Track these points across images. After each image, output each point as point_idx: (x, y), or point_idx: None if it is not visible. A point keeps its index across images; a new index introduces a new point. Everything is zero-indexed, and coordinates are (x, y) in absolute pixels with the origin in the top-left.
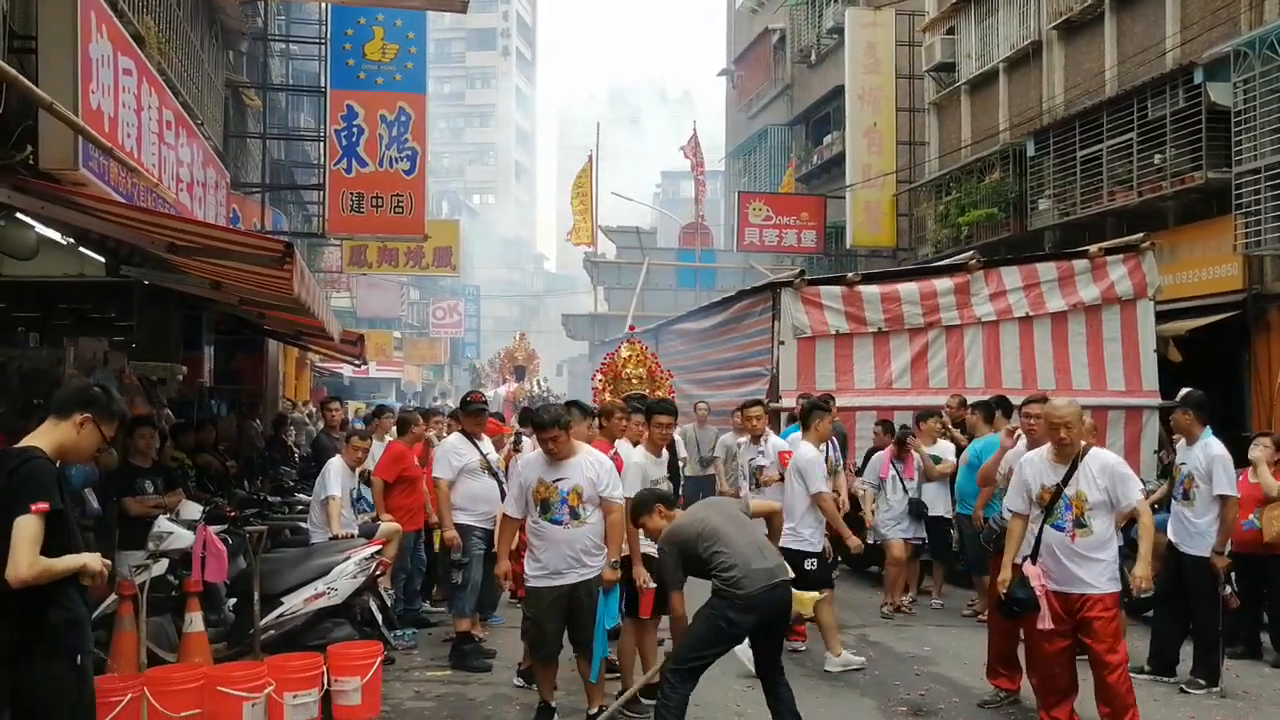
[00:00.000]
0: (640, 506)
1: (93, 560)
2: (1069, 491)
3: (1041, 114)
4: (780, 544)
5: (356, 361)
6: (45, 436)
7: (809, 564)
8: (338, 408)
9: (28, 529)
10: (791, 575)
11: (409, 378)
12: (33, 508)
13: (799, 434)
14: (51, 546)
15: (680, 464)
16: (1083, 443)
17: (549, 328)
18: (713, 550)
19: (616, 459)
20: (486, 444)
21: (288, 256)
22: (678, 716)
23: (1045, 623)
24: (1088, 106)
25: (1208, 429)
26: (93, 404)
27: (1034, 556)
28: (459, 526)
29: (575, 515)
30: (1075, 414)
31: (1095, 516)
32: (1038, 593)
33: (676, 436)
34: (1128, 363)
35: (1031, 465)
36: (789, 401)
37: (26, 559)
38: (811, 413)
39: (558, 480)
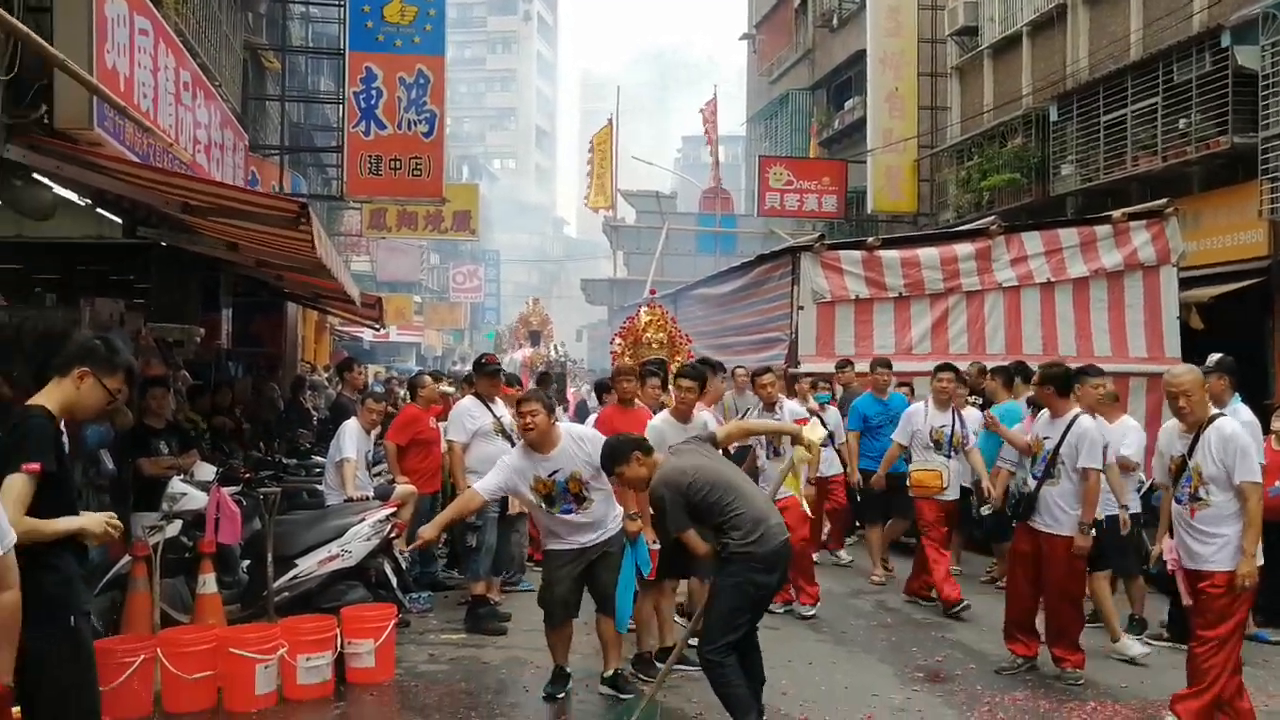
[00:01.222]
0: (615, 455)
1: (91, 523)
2: (1191, 463)
3: (1065, 78)
4: None
5: (376, 325)
6: (49, 395)
7: None
8: (360, 371)
9: (14, 488)
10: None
11: (429, 342)
12: (23, 467)
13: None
14: (44, 508)
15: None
16: (1212, 410)
17: (569, 293)
18: (728, 504)
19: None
20: (501, 407)
21: (303, 217)
22: (742, 683)
23: (1186, 599)
24: (1112, 70)
25: (1237, 395)
26: (90, 357)
27: (1172, 532)
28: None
29: (581, 500)
30: (1193, 381)
31: (1212, 490)
32: (1169, 569)
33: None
34: (1150, 330)
35: (1165, 435)
36: (809, 367)
37: (9, 519)
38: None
39: (553, 474)
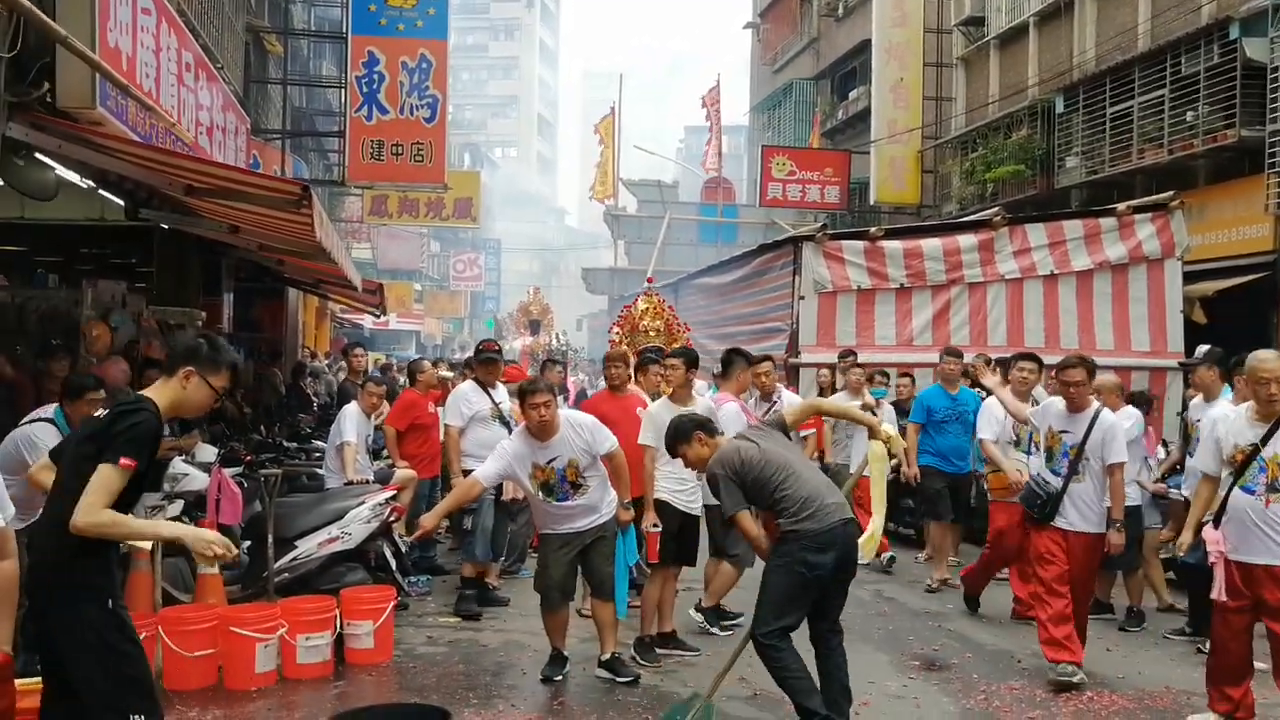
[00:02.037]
0: (679, 434)
1: (195, 539)
2: (1266, 453)
3: (1072, 69)
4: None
5: (376, 312)
6: (158, 392)
7: None
8: (361, 354)
9: (108, 480)
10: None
11: (429, 330)
12: (121, 461)
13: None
14: (118, 506)
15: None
16: None
17: (569, 283)
18: (780, 483)
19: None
20: (501, 392)
21: (305, 199)
22: (803, 669)
23: (1218, 593)
24: (1119, 62)
25: (1228, 387)
26: (194, 357)
27: (1216, 521)
28: (469, 473)
29: (577, 487)
30: None
31: None
32: (1211, 559)
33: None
34: (1153, 323)
35: (1226, 423)
36: (809, 357)
37: (96, 506)
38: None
39: (551, 461)
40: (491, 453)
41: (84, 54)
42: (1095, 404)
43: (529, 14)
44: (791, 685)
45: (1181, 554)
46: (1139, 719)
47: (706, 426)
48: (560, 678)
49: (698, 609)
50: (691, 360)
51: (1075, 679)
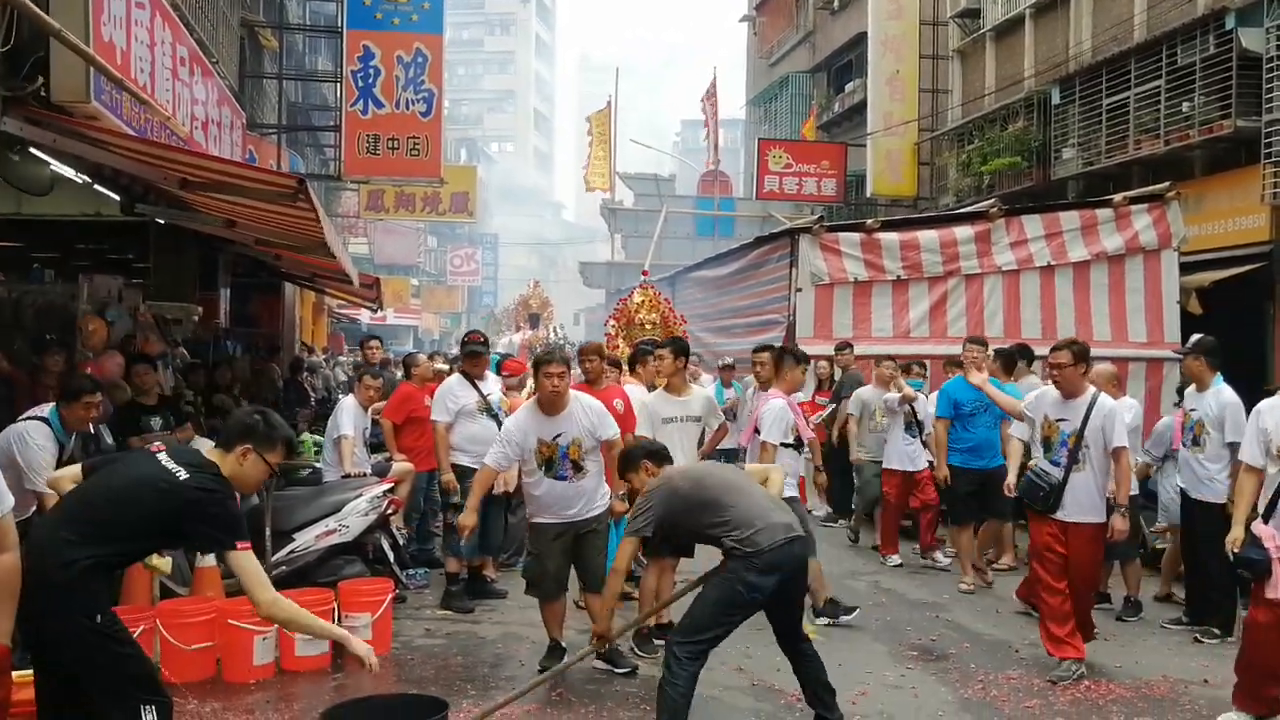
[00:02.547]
0: (626, 463)
1: (364, 651)
2: None
3: (1068, 61)
4: None
5: (373, 307)
6: (221, 464)
7: None
8: (376, 346)
9: (249, 567)
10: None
11: (426, 325)
12: (239, 546)
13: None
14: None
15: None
16: None
17: (566, 277)
18: (723, 506)
19: (628, 402)
20: (490, 384)
21: (301, 192)
22: (686, 695)
23: (1276, 591)
24: (1115, 53)
25: (1219, 376)
26: (251, 434)
27: (1267, 516)
28: (457, 468)
29: (578, 468)
30: None
31: None
32: (1272, 555)
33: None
34: (1150, 314)
35: (1274, 412)
36: (807, 349)
37: (267, 590)
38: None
39: (556, 437)
40: (490, 445)
41: (78, 48)
42: (1091, 390)
43: (524, 8)
44: (664, 701)
45: (1237, 549)
46: (1136, 708)
47: (655, 455)
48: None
49: (815, 612)
50: (681, 349)
51: (1076, 675)
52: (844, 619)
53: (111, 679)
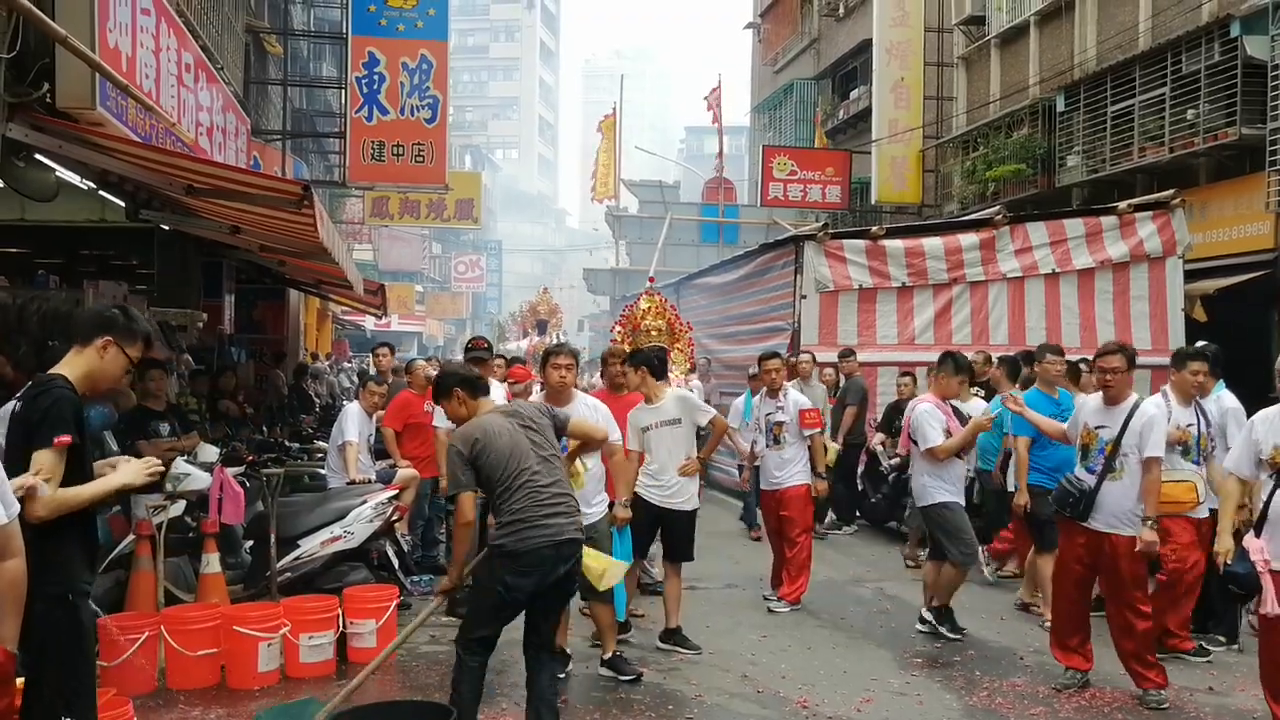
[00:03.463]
0: (439, 386)
1: (129, 475)
2: None
3: (1073, 68)
4: None
5: (378, 313)
6: (70, 365)
7: None
8: (386, 353)
9: (46, 464)
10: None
11: (430, 332)
12: (55, 441)
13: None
14: (69, 482)
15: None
16: None
17: (570, 283)
18: (507, 486)
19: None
20: (495, 390)
21: (306, 199)
22: (476, 685)
23: (1270, 606)
24: (1120, 61)
25: (1220, 382)
26: (112, 326)
27: (1258, 528)
28: None
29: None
30: None
31: None
32: (1259, 569)
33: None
34: (1154, 321)
35: (1266, 423)
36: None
37: (48, 499)
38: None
39: None
40: None
41: (84, 54)
42: (1134, 396)
43: (529, 15)
44: (455, 697)
45: (1228, 562)
46: (1142, 715)
47: (469, 384)
48: (563, 676)
49: (927, 607)
50: (640, 361)
51: (1078, 684)
52: (945, 632)
53: (53, 679)
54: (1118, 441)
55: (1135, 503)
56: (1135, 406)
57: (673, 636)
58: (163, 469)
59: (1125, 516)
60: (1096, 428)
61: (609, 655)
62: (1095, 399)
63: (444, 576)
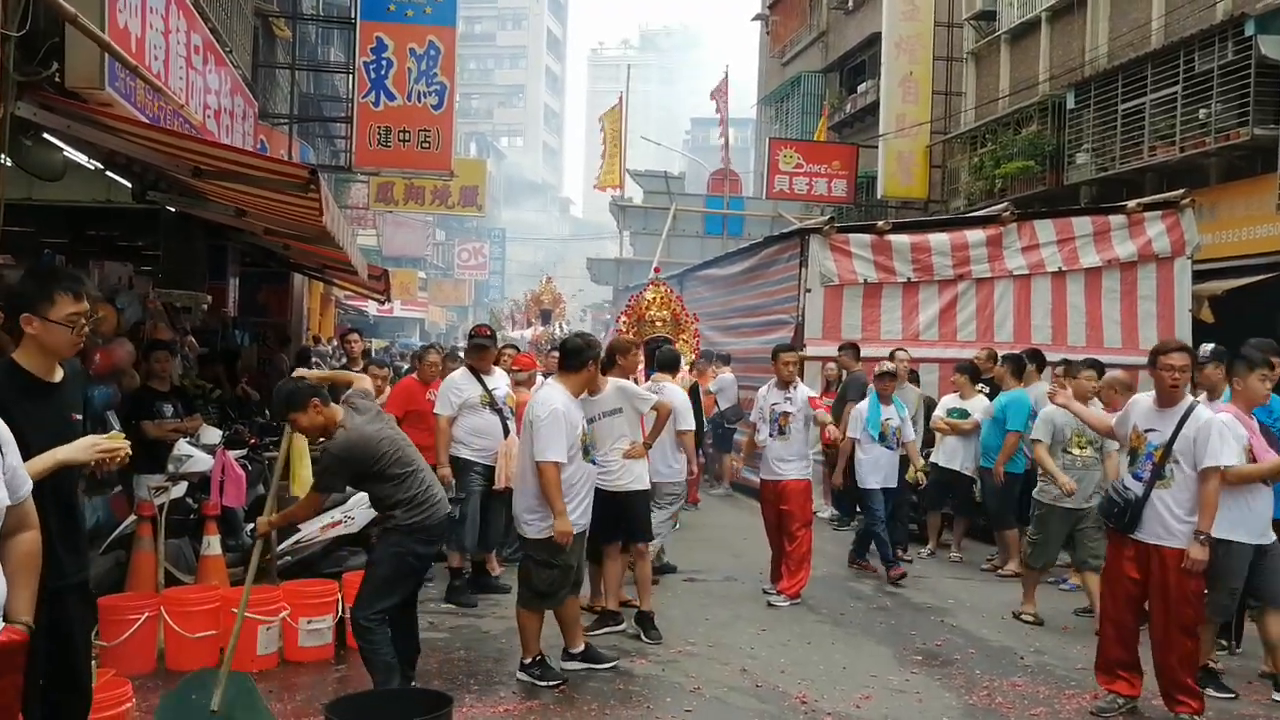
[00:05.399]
0: (291, 400)
1: (74, 452)
2: None
3: (1084, 65)
4: None
5: (381, 298)
6: (22, 344)
7: None
8: (356, 339)
9: None
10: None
11: (433, 318)
12: None
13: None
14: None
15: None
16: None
17: (573, 273)
18: (408, 476)
19: None
20: (496, 379)
21: (312, 182)
22: (389, 651)
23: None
24: (1132, 58)
25: (1229, 389)
26: (22, 301)
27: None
28: (458, 460)
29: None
30: None
31: None
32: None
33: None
34: (1161, 322)
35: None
36: (815, 350)
37: None
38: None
39: (592, 421)
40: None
41: (93, 34)
42: (1190, 399)
43: (537, 4)
44: (377, 665)
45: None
46: (1145, 716)
47: (322, 393)
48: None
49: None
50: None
51: (1122, 709)
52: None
53: None
54: (1168, 447)
55: (1188, 512)
56: (1190, 410)
57: (609, 619)
58: (116, 449)
59: (1176, 529)
60: (1146, 431)
61: (578, 649)
62: (1147, 399)
63: (444, 563)
